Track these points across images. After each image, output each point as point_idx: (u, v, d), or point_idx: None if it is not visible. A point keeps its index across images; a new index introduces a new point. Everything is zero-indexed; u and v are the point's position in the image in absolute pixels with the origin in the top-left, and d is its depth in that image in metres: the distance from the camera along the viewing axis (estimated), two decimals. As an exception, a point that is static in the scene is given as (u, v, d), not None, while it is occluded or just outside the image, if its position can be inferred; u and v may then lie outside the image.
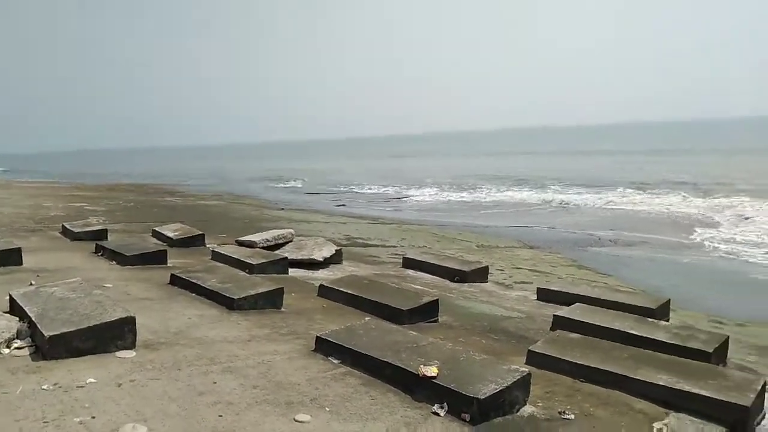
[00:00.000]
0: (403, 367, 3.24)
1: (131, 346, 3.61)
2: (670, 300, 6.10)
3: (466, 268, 7.75)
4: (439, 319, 5.29)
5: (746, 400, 3.13)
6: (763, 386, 3.38)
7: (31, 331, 3.59)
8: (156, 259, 7.03)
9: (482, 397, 2.87)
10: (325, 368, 3.51)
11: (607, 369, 3.58)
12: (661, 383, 3.37)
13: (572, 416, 3.09)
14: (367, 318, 4.46)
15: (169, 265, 6.96)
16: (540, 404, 3.21)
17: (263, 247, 8.20)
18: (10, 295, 4.17)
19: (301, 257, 7.86)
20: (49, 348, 3.32)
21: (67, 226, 9.35)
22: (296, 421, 2.78)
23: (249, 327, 4.39)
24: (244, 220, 14.83)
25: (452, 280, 7.52)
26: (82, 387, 2.97)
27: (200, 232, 9.23)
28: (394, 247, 11.54)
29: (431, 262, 8.15)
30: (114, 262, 6.89)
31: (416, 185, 30.00)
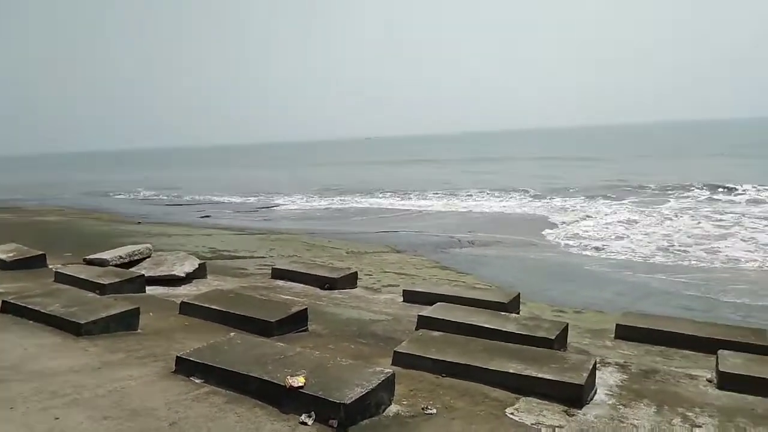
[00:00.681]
0: (269, 379, 3.19)
1: (-50, 387, 3.15)
2: (519, 294, 6.69)
3: (335, 275, 7.82)
4: (309, 328, 5.28)
5: (580, 379, 3.54)
6: (594, 365, 3.83)
7: None
8: (-17, 285, 6.17)
9: (348, 402, 2.92)
10: (186, 389, 3.34)
11: (464, 362, 3.83)
12: (511, 371, 3.68)
13: (434, 410, 3.26)
14: (232, 333, 4.31)
15: (1, 291, 6.15)
16: (405, 402, 3.34)
17: (117, 265, 7.56)
18: None
19: (160, 273, 7.38)
20: None
21: None
22: (154, 449, 2.61)
23: (99, 353, 4.03)
24: (93, 236, 13.53)
25: (322, 288, 7.54)
26: None
27: (40, 252, 8.26)
28: (263, 257, 11.28)
29: (301, 271, 8.10)
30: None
31: (284, 194, 29.78)
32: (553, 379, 3.57)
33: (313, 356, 3.62)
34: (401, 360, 4.02)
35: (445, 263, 11.13)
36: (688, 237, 13.89)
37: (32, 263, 7.95)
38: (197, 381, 3.45)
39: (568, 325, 5.16)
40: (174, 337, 4.65)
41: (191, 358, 3.59)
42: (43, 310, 4.74)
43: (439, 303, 5.71)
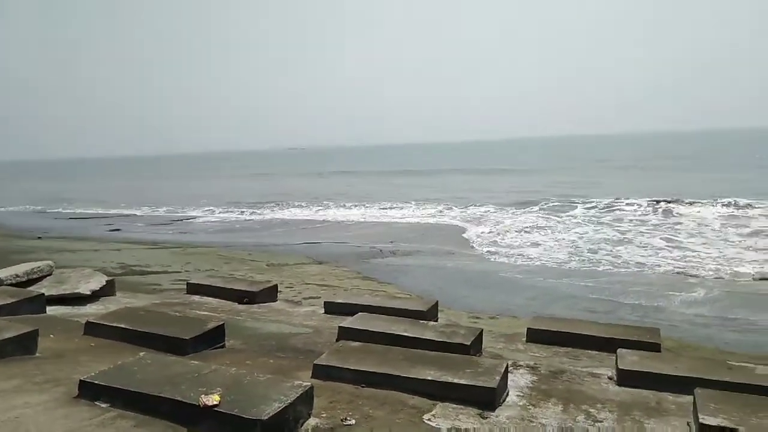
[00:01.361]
0: (181, 399, 3.08)
1: None
2: (438, 302, 6.86)
3: (254, 289, 7.65)
4: (227, 344, 5.13)
5: (493, 382, 3.69)
6: (506, 369, 4.01)
7: None
8: None
9: (265, 418, 2.88)
10: (90, 415, 3.14)
11: (383, 372, 3.88)
12: (429, 378, 3.78)
13: (353, 421, 3.27)
14: (142, 353, 4.11)
15: None
16: (324, 415, 3.33)
17: (13, 284, 6.97)
18: None
19: (62, 292, 6.89)
20: None
21: None
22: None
23: (-9, 381, 3.70)
24: (-14, 253, 12.43)
25: (241, 302, 7.35)
26: None
27: None
28: (178, 272, 10.84)
29: (218, 285, 7.86)
30: None
31: (195, 206, 28.88)
32: (468, 383, 3.70)
33: (229, 373, 3.52)
34: (321, 372, 4.01)
35: (366, 273, 11.20)
36: (593, 243, 14.87)
37: None
38: (103, 405, 3.25)
39: (482, 330, 5.35)
40: (78, 359, 4.36)
41: (96, 381, 3.38)
42: None
43: (359, 313, 5.75)
